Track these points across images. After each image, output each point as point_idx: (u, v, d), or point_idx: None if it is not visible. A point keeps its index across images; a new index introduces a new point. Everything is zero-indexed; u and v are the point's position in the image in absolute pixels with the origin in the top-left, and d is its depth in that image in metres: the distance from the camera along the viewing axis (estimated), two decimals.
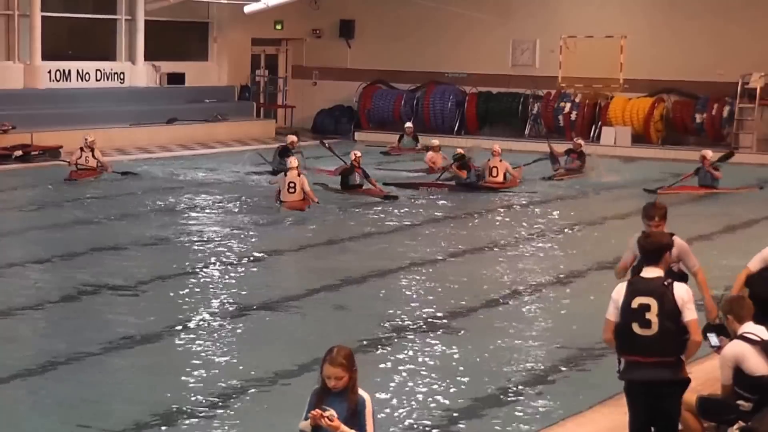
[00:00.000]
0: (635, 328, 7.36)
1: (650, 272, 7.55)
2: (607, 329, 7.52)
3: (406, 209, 20.00)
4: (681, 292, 7.42)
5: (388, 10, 33.99)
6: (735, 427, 7.82)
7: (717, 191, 22.24)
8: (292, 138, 24.88)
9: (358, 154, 21.67)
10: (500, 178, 22.70)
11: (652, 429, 7.62)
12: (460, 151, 22.91)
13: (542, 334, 11.96)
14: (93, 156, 22.69)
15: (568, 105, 31.45)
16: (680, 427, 7.84)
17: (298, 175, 19.54)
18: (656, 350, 7.35)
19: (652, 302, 7.37)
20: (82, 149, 22.65)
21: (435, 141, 26.27)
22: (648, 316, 7.34)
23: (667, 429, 7.61)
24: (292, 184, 19.43)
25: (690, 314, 7.42)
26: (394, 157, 27.95)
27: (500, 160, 22.85)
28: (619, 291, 7.50)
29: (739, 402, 7.81)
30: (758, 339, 7.76)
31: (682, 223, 18.87)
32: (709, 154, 22.74)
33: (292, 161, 19.92)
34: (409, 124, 29.73)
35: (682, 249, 9.10)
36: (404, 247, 16.64)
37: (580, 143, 25.59)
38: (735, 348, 7.79)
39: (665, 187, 22.36)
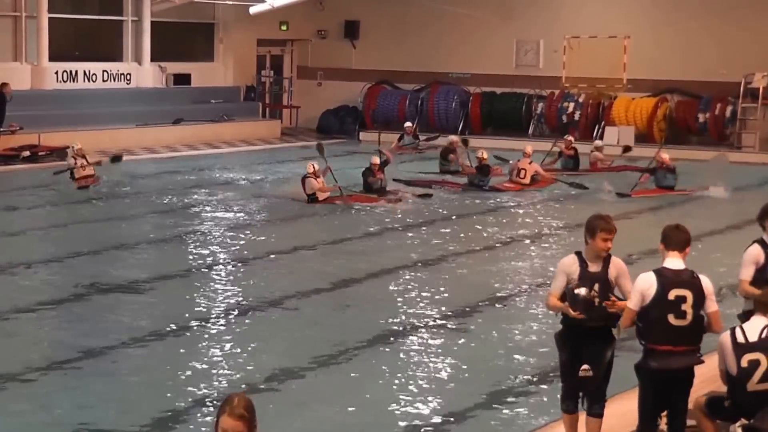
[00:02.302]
0: (671, 319, 7.44)
1: (675, 263, 7.59)
2: (628, 318, 7.53)
3: (410, 209, 20.10)
4: (707, 283, 7.59)
5: (393, 11, 34.11)
6: (737, 424, 7.87)
7: (675, 192, 22.16)
8: (453, 138, 25.83)
9: (377, 161, 21.61)
10: (527, 180, 22.94)
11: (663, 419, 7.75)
12: (484, 157, 22.86)
13: (544, 333, 12.01)
14: (87, 162, 22.07)
15: (572, 105, 31.56)
16: (693, 421, 7.93)
17: (315, 177, 20.35)
18: (687, 340, 7.51)
19: (688, 294, 7.48)
20: (74, 158, 21.86)
21: (599, 142, 26.96)
22: (684, 307, 7.45)
23: (683, 415, 7.74)
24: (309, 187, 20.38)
25: (713, 305, 7.62)
26: (396, 156, 27.98)
27: (530, 162, 23.10)
28: (647, 282, 7.50)
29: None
30: (741, 340, 7.74)
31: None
32: (666, 156, 22.64)
33: (309, 167, 20.49)
34: (408, 123, 29.85)
35: (620, 270, 7.96)
36: (407, 247, 16.78)
37: (571, 140, 25.86)
38: (721, 339, 7.81)
39: (637, 190, 22.16)
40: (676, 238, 7.70)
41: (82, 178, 21.76)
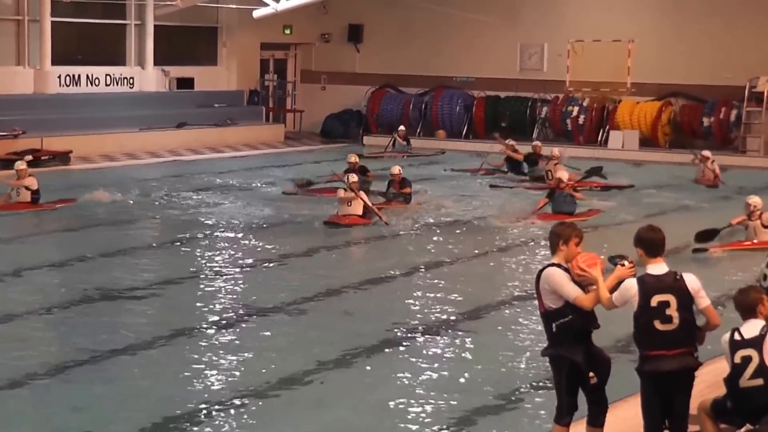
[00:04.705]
0: (657, 324, 7.45)
1: (658, 268, 7.58)
2: (608, 305, 7.60)
3: (411, 213, 20.04)
4: (692, 281, 7.56)
5: (397, 15, 34.12)
6: (743, 430, 7.87)
7: (573, 218, 18.58)
8: (536, 143, 25.71)
9: (396, 171, 20.47)
10: (554, 182, 22.77)
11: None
12: (397, 171, 20.69)
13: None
14: (26, 188, 19.33)
15: (576, 109, 31.55)
16: (697, 427, 7.91)
17: (353, 190, 18.59)
18: (678, 342, 7.50)
19: (671, 298, 7.47)
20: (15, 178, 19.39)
21: (708, 152, 24.81)
22: (668, 312, 7.46)
23: (683, 420, 7.71)
24: (347, 200, 18.62)
25: (704, 301, 7.60)
26: (387, 161, 27.76)
27: (555, 164, 23.01)
28: (631, 291, 7.52)
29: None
30: (737, 338, 7.72)
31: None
32: (565, 176, 20.33)
33: (351, 176, 18.87)
34: (401, 128, 29.73)
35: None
36: (409, 251, 16.76)
37: (538, 144, 25.72)
38: (722, 339, 7.80)
39: (539, 214, 19.89)
40: (659, 243, 7.66)
41: (14, 204, 19.33)
